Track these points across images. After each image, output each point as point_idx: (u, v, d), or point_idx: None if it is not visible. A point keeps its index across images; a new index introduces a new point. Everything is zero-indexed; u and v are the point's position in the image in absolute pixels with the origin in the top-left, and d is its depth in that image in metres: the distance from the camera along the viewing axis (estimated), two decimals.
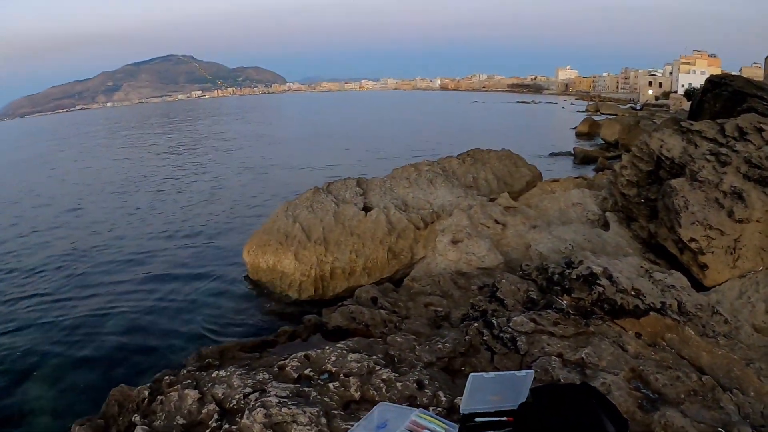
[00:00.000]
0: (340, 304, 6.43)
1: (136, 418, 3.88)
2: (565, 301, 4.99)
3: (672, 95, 66.10)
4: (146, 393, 4.22)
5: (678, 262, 7.07)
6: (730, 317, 5.06)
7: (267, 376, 4.02)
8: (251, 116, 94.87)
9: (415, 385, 3.76)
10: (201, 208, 20.26)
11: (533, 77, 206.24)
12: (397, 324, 5.71)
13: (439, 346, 4.55)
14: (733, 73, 19.38)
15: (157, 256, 14.12)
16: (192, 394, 3.85)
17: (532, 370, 2.59)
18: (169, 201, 21.98)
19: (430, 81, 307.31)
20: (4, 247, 15.73)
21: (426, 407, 3.37)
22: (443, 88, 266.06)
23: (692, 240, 6.79)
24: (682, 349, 4.44)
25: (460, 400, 2.61)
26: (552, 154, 30.24)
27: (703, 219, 6.81)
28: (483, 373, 2.59)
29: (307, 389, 3.83)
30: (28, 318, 10.30)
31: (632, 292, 4.88)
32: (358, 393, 3.77)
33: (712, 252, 6.66)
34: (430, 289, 6.61)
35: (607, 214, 8.96)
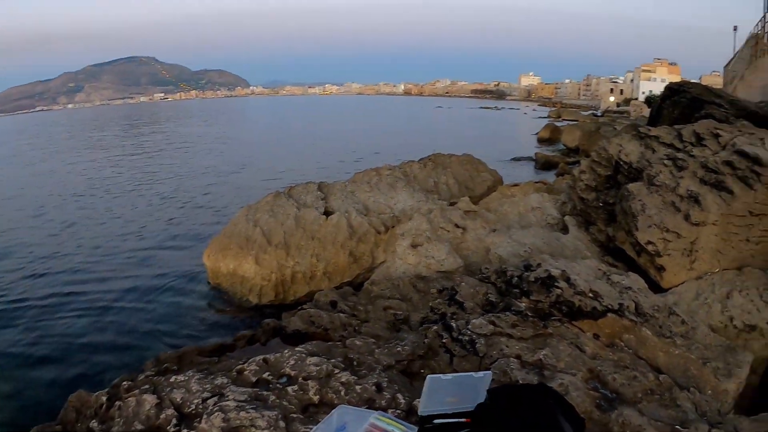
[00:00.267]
0: (299, 308, 6.35)
1: (94, 424, 3.77)
2: (523, 304, 5.00)
3: (633, 102, 67.59)
4: (104, 399, 4.09)
5: (636, 265, 7.16)
6: (687, 318, 5.14)
7: (225, 381, 3.93)
8: (214, 119, 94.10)
9: (374, 387, 3.71)
10: (161, 211, 19.89)
11: (496, 83, 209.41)
12: (357, 327, 5.65)
13: (398, 349, 4.50)
14: (692, 81, 19.89)
15: (116, 260, 13.80)
16: (150, 399, 3.75)
17: (489, 372, 2.56)
18: (128, 204, 21.55)
19: (394, 86, 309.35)
20: None
21: (385, 410, 3.32)
22: (407, 93, 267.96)
23: (649, 243, 6.89)
24: (639, 349, 4.48)
25: (419, 402, 2.58)
26: (514, 159, 30.63)
27: (660, 222, 6.92)
28: (441, 375, 2.56)
29: (265, 393, 3.75)
30: None
31: (590, 294, 4.92)
32: (317, 396, 3.71)
33: (669, 254, 6.76)
34: (390, 293, 6.55)
35: (566, 218, 9.06)
